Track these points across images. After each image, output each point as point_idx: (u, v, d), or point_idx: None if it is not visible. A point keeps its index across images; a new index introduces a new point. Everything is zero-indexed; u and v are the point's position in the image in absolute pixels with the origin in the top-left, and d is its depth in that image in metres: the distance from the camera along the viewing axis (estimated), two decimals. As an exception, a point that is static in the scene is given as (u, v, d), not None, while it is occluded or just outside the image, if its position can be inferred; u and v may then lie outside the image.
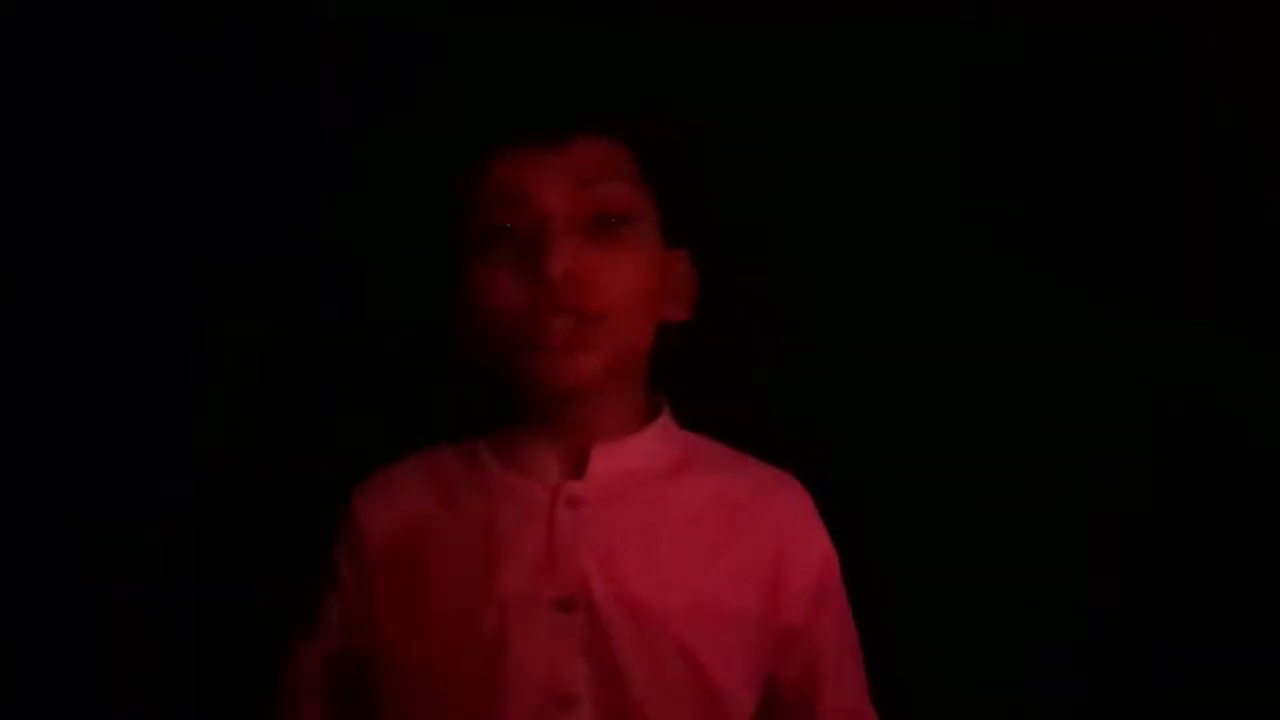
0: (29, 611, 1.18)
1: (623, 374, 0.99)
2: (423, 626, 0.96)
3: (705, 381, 1.07)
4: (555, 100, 0.99)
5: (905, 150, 1.22)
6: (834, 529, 1.02)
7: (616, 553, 0.95)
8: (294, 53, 1.21)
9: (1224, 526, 1.19)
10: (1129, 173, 1.22)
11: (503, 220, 0.95)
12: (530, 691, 0.93)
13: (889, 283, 1.24)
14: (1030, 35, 1.21)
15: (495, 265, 0.95)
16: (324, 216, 1.22)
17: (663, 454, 1.01)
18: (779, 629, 0.98)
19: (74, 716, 1.18)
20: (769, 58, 1.21)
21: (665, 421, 1.03)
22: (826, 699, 1.01)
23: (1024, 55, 1.22)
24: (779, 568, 0.98)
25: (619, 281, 0.95)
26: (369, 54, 1.21)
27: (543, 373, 0.95)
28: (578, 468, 0.99)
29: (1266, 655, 1.16)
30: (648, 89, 1.09)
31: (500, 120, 0.98)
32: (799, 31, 1.20)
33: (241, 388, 1.22)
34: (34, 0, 1.19)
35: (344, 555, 1.01)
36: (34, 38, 1.19)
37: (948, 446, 1.21)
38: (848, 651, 1.03)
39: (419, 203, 1.07)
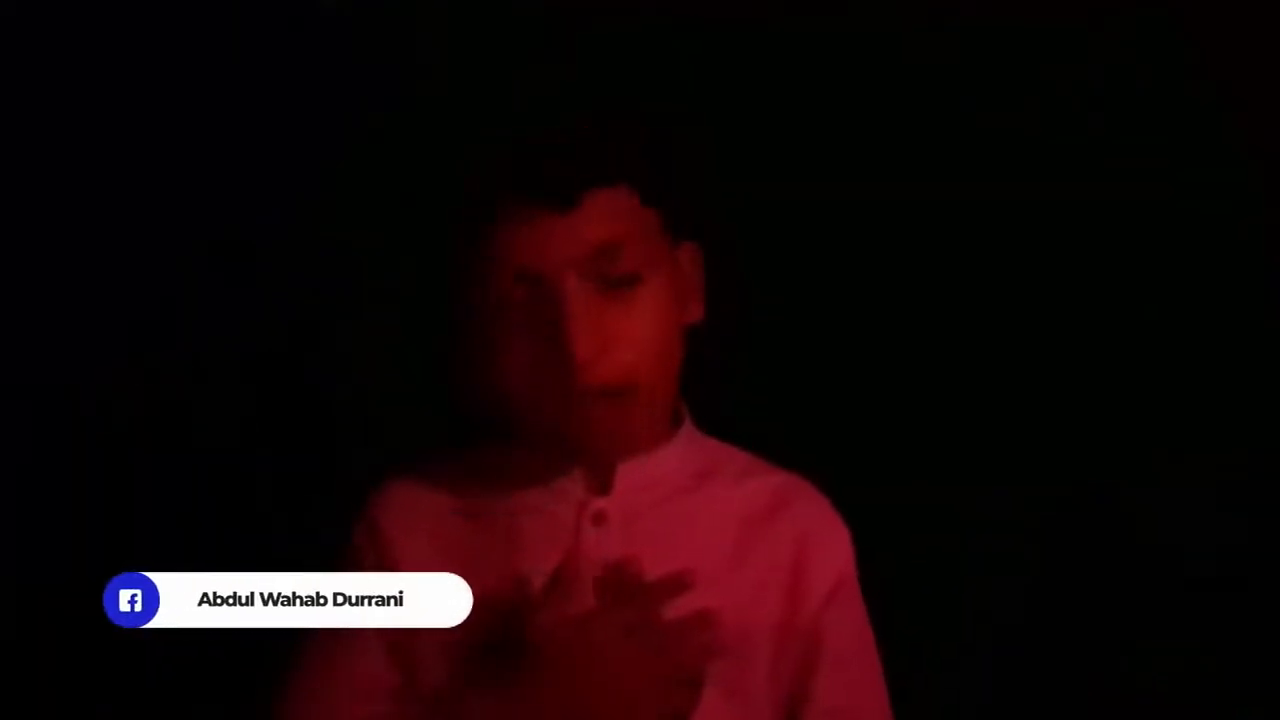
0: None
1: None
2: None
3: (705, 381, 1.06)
4: (561, 167, 0.91)
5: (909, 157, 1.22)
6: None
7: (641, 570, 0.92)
8: (293, 55, 1.21)
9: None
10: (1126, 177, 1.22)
11: (513, 290, 0.91)
12: None
13: (887, 288, 1.24)
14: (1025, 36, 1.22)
15: (511, 337, 0.92)
16: (319, 222, 1.22)
17: (686, 464, 1.00)
18: (798, 633, 0.96)
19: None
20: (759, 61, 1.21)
21: (688, 429, 1.02)
22: (821, 698, 0.96)
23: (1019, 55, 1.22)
24: (800, 571, 0.97)
25: (643, 338, 0.92)
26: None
27: (574, 449, 0.95)
28: (603, 481, 0.97)
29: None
30: (640, 108, 1.01)
31: (504, 190, 0.90)
32: (791, 36, 1.20)
33: (237, 391, 1.22)
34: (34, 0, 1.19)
35: (370, 566, 0.96)
36: (34, 38, 1.19)
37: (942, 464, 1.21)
38: (857, 652, 0.99)
39: (415, 267, 1.03)
